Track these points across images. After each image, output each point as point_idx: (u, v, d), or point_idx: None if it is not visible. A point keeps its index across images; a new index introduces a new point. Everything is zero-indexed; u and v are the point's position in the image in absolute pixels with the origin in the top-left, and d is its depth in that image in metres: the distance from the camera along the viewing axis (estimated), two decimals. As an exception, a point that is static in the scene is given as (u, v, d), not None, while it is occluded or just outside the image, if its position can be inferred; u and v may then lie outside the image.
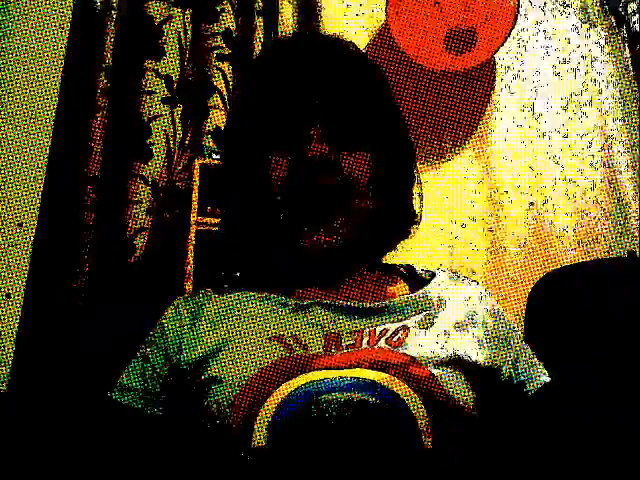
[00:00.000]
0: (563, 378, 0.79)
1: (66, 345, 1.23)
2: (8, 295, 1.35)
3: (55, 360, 1.21)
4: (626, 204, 1.77)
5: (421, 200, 0.86)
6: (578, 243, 1.74)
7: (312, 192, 0.74)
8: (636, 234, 1.74)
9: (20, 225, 1.39)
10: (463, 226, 1.71)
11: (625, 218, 1.76)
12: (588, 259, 1.71)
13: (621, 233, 1.75)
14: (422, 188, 0.86)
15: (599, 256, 1.72)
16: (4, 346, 1.31)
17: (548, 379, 0.78)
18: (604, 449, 0.67)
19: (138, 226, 1.49)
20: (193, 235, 1.45)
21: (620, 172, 1.80)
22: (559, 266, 1.25)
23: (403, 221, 0.85)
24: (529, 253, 1.71)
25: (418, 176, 0.86)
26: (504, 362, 0.78)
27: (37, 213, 1.40)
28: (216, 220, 1.45)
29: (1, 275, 1.35)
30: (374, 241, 0.82)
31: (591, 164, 1.80)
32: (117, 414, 0.77)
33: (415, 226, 0.86)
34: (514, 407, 0.76)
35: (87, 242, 1.43)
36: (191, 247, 1.44)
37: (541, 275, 1.14)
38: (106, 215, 1.47)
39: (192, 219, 1.45)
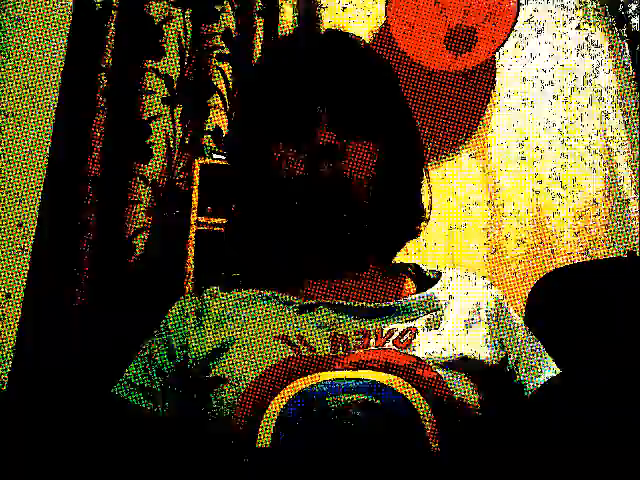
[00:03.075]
0: (563, 378, 0.79)
1: (66, 345, 1.23)
2: (8, 295, 1.35)
3: (55, 360, 1.21)
4: (626, 204, 1.78)
5: (430, 197, 0.85)
6: (578, 243, 1.74)
7: (319, 183, 0.74)
8: (636, 234, 1.74)
9: (20, 225, 1.39)
10: (463, 226, 1.71)
11: (625, 218, 1.76)
12: (588, 259, 1.71)
13: (621, 233, 1.75)
14: (430, 184, 0.85)
15: (599, 256, 1.72)
16: (4, 346, 1.31)
17: (546, 378, 0.78)
18: (604, 449, 0.67)
19: (138, 226, 1.49)
20: (193, 235, 1.45)
21: (620, 172, 1.80)
22: (559, 266, 1.25)
23: (412, 218, 0.84)
24: (529, 253, 1.71)
25: (427, 172, 0.85)
26: (507, 360, 0.78)
27: (37, 213, 1.40)
28: (216, 220, 1.45)
29: (1, 275, 1.35)
30: (384, 237, 0.81)
31: (591, 164, 1.80)
32: (118, 411, 0.77)
33: (424, 223, 0.85)
34: (517, 407, 0.76)
35: (87, 242, 1.43)
36: (191, 247, 1.44)
37: (541, 275, 1.14)
38: (106, 215, 1.47)
39: (192, 219, 1.45)
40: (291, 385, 0.67)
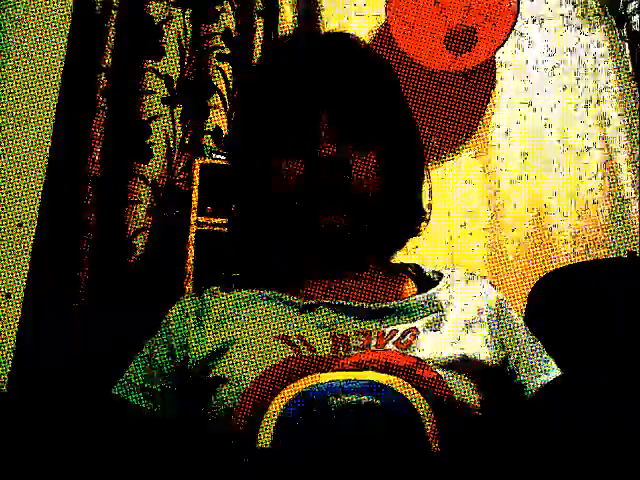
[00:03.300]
0: (563, 378, 0.79)
1: (66, 345, 1.23)
2: (8, 295, 1.35)
3: (55, 360, 1.21)
4: (626, 204, 1.78)
5: (430, 197, 0.85)
6: (578, 243, 1.74)
7: (323, 190, 0.74)
8: (636, 234, 1.74)
9: (20, 225, 1.39)
10: (463, 226, 1.71)
11: (625, 218, 1.76)
12: (588, 259, 1.71)
13: (621, 233, 1.75)
14: (431, 185, 0.85)
15: (599, 256, 1.72)
16: (4, 346, 1.31)
17: (547, 379, 0.78)
18: (604, 449, 0.67)
19: (138, 226, 1.49)
20: (193, 235, 1.45)
21: (620, 172, 1.80)
22: (559, 266, 1.25)
23: (413, 218, 0.84)
24: (529, 253, 1.71)
25: (428, 172, 0.85)
26: (508, 361, 0.78)
27: (37, 213, 1.40)
28: (216, 220, 1.45)
29: (1, 275, 1.35)
30: (384, 237, 0.81)
31: (591, 164, 1.80)
32: (118, 411, 0.77)
33: (424, 223, 0.85)
34: (518, 407, 0.76)
35: (87, 242, 1.43)
36: (191, 247, 1.44)
37: (541, 275, 1.14)
38: (106, 215, 1.47)
39: (192, 219, 1.45)
40: (291, 385, 0.67)
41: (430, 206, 0.85)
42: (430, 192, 0.85)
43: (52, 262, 1.40)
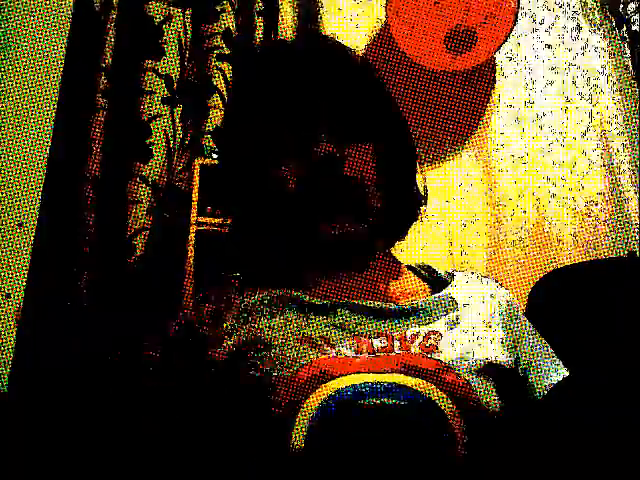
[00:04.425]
0: (569, 380, 0.79)
1: (66, 345, 1.23)
2: (8, 295, 1.35)
3: (55, 360, 1.21)
4: (626, 204, 1.78)
5: (425, 183, 0.86)
6: (578, 243, 1.74)
7: (323, 190, 0.74)
8: (636, 234, 1.74)
9: (20, 225, 1.39)
10: (463, 226, 1.71)
11: (625, 218, 1.76)
12: (588, 259, 1.71)
13: (621, 233, 1.75)
14: (425, 173, 0.87)
15: (599, 256, 1.72)
16: (4, 346, 1.31)
17: (556, 380, 0.78)
18: (608, 449, 0.67)
19: (138, 226, 1.49)
20: (193, 235, 1.45)
21: (620, 172, 1.80)
22: (559, 266, 1.25)
23: (411, 204, 0.85)
24: (529, 253, 1.71)
25: (419, 160, 0.86)
26: (519, 362, 0.78)
27: (37, 213, 1.40)
28: (216, 220, 1.45)
29: (1, 275, 1.35)
30: (385, 228, 0.81)
31: (591, 164, 1.80)
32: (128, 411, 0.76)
33: (423, 208, 0.86)
34: (530, 408, 0.76)
35: (87, 242, 1.43)
36: (191, 247, 1.44)
37: (541, 275, 1.14)
38: (106, 215, 1.47)
39: (192, 219, 1.46)
40: (322, 387, 0.66)
41: (426, 189, 0.86)
42: (424, 179, 0.86)
43: (52, 262, 1.40)
